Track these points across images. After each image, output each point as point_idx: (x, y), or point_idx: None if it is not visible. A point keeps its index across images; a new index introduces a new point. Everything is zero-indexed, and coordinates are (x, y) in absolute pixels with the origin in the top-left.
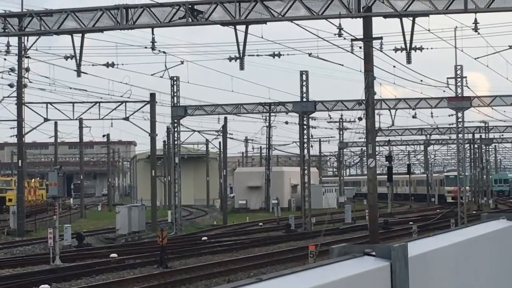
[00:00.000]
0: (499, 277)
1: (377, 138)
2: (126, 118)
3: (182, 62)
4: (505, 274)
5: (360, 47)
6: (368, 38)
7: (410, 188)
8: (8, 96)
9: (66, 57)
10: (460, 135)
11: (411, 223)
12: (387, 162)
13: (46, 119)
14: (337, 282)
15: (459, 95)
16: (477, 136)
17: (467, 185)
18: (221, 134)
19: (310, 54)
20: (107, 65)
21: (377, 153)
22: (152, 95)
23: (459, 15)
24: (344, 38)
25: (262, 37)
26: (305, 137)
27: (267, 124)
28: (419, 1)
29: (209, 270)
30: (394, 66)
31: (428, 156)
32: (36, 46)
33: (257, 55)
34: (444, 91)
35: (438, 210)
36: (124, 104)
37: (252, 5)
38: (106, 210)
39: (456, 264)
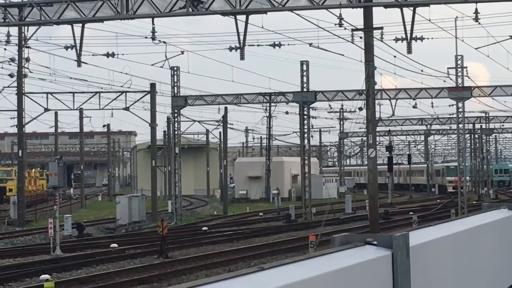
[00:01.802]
0: (500, 266)
1: (378, 128)
2: (127, 108)
3: (182, 52)
4: (506, 263)
5: (361, 37)
6: (368, 28)
7: (405, 178)
8: (8, 86)
9: (66, 47)
10: (460, 125)
11: (411, 213)
12: (387, 152)
13: (46, 109)
14: (339, 271)
15: (460, 85)
16: (477, 126)
17: (467, 175)
18: (222, 124)
19: (310, 44)
20: (108, 55)
21: (377, 143)
22: (153, 85)
23: (460, 5)
24: (345, 28)
25: (262, 27)
26: (306, 127)
27: (268, 114)
28: None
29: (209, 260)
30: (395, 56)
31: (429, 146)
32: (36, 36)
33: (258, 45)
34: (444, 81)
35: (438, 200)
36: (124, 94)
37: None
38: (106, 200)
39: (458, 253)
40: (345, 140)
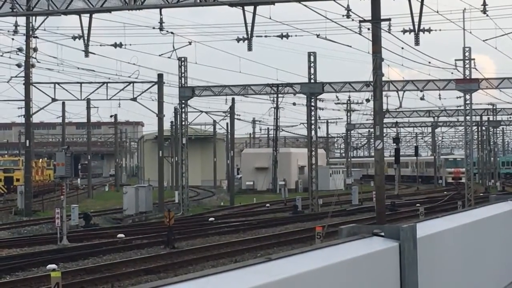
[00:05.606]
0: (507, 257)
1: (385, 120)
2: (134, 99)
3: (190, 43)
4: None
5: (368, 29)
6: (376, 19)
7: (417, 170)
8: (16, 76)
9: (74, 37)
10: (467, 117)
11: (418, 205)
12: (394, 144)
13: (53, 99)
14: (346, 262)
15: (467, 77)
16: (484, 118)
17: (466, 166)
18: (229, 115)
19: (318, 36)
20: (115, 45)
21: (384, 134)
22: (160, 76)
23: None
24: (352, 20)
25: (270, 18)
26: (313, 118)
27: (275, 105)
28: None
29: (216, 250)
30: (402, 48)
31: (436, 138)
32: (44, 26)
33: (265, 36)
34: (452, 73)
35: (445, 192)
36: (131, 84)
37: None
38: (113, 191)
39: (465, 244)
40: (352, 131)
